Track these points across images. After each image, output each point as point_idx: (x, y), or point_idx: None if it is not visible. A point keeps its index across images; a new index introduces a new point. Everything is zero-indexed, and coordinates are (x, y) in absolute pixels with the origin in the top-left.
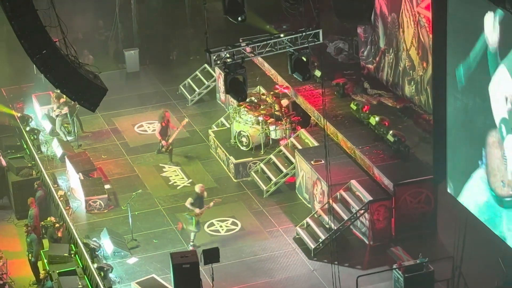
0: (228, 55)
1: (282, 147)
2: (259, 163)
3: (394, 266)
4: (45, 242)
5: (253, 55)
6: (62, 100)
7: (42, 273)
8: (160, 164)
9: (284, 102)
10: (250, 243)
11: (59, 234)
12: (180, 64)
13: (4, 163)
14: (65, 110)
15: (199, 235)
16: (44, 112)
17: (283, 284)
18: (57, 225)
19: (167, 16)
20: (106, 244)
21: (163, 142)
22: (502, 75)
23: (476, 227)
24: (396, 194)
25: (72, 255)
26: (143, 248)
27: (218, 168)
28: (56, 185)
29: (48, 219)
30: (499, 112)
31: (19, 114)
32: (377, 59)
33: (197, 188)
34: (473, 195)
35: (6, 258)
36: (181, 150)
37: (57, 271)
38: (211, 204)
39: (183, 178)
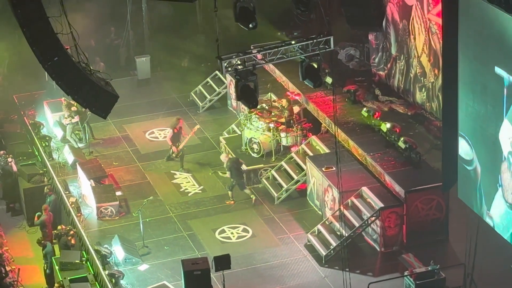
0: (239, 62)
1: (293, 154)
2: (270, 170)
3: (406, 273)
4: (56, 248)
5: (264, 62)
6: (73, 108)
7: (56, 286)
8: (171, 171)
9: (295, 109)
10: (261, 250)
11: (73, 241)
12: (191, 71)
13: (15, 168)
14: (76, 118)
15: (210, 241)
16: (55, 119)
17: None
18: (71, 232)
19: (178, 23)
20: (118, 251)
21: (173, 148)
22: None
23: (487, 234)
24: (407, 201)
25: (84, 262)
26: (154, 255)
27: None
28: (67, 192)
29: (59, 227)
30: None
31: (30, 121)
32: (389, 65)
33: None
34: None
35: (19, 268)
36: (192, 157)
37: (69, 278)
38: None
39: (194, 185)
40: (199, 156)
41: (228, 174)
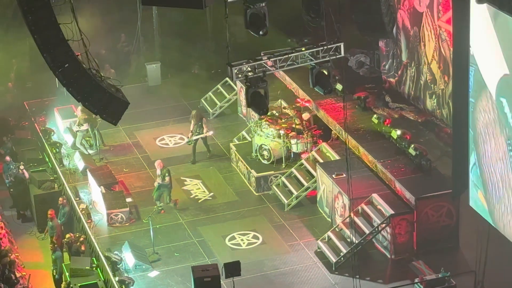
0: (249, 69)
1: (303, 161)
2: (281, 177)
3: (416, 280)
4: (65, 255)
5: (274, 69)
6: (84, 116)
7: (63, 285)
8: (182, 178)
9: (306, 115)
10: (271, 256)
11: (83, 248)
12: (201, 77)
13: (27, 175)
14: (85, 126)
15: (220, 248)
16: (66, 125)
17: None
18: (81, 238)
19: (188, 29)
20: (128, 258)
21: (189, 134)
22: None
23: (498, 241)
24: (417, 208)
25: (94, 268)
26: (164, 261)
27: (239, 182)
28: (78, 199)
29: (67, 235)
30: None
31: (41, 128)
32: (399, 72)
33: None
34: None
35: (29, 274)
36: (203, 163)
37: (79, 284)
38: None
39: (204, 191)
40: (209, 162)
41: (167, 180)
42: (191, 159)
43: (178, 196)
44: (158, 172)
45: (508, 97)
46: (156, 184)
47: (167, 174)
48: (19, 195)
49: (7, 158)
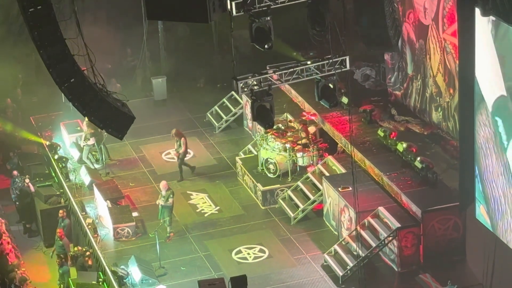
0: (255, 83)
1: (309, 174)
2: (287, 190)
3: None
4: (72, 270)
5: (280, 82)
6: (90, 130)
7: None
8: (188, 192)
9: (311, 129)
10: (278, 270)
11: (90, 262)
12: (207, 91)
13: (32, 188)
14: (92, 140)
15: (227, 262)
16: (72, 140)
17: None
18: (88, 253)
19: (194, 44)
20: (134, 272)
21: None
22: None
23: (505, 254)
24: (424, 221)
25: (100, 283)
26: (171, 275)
27: (245, 195)
28: (84, 213)
29: (75, 248)
30: None
31: (47, 143)
32: (405, 85)
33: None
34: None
35: (35, 287)
36: (208, 177)
37: None
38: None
39: (210, 205)
40: (215, 176)
41: (170, 201)
42: (192, 170)
43: (184, 210)
44: (164, 193)
45: (503, 118)
46: (158, 203)
47: (171, 196)
48: (24, 208)
49: (15, 172)
